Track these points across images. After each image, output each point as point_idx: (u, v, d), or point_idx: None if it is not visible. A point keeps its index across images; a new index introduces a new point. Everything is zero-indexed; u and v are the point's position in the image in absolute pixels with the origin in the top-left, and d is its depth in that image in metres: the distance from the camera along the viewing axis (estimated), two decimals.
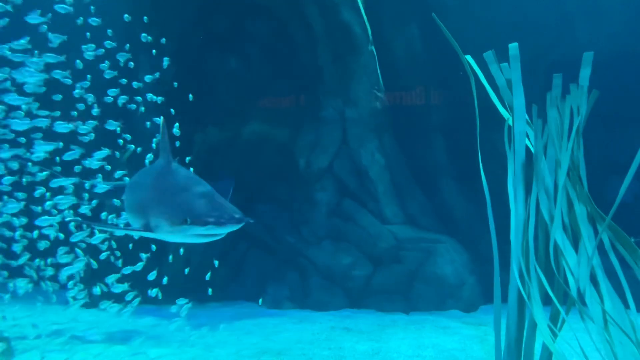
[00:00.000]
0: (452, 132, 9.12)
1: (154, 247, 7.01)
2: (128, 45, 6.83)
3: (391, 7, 9.16)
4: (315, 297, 7.91)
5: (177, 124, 7.11)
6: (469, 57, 4.73)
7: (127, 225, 4.73)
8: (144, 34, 6.98)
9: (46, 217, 6.03)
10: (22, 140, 6.23)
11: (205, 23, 8.70)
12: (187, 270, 7.47)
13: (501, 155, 4.59)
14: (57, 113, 6.24)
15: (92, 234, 6.26)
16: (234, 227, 3.80)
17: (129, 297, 6.35)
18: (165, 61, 7.47)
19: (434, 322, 6.93)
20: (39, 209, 6.58)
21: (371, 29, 8.60)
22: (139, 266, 6.40)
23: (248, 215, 4.06)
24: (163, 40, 7.64)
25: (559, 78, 4.46)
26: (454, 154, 9.29)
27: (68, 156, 5.78)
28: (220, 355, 5.48)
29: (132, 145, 7.44)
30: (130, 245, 7.08)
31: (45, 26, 5.95)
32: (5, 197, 6.23)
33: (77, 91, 6.50)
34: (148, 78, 7.50)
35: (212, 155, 8.73)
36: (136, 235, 4.68)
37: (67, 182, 6.15)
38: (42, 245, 6.63)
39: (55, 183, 5.98)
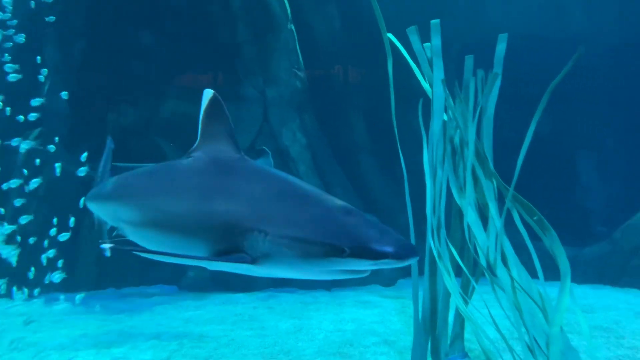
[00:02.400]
0: (373, 111, 9.27)
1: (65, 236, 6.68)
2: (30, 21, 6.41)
3: None
4: (239, 278, 7.86)
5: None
6: (390, 35, 4.78)
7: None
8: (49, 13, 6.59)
9: None
10: None
11: None
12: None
13: (418, 134, 4.72)
14: None
15: None
16: (411, 262, 2.50)
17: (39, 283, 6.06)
18: (72, 37, 7.08)
19: (355, 297, 7.09)
20: None
21: (290, 8, 8.53)
22: (51, 253, 6.12)
23: None
24: (70, 16, 7.23)
25: (471, 59, 4.61)
26: (375, 132, 9.46)
27: None
28: (138, 341, 5.33)
29: None
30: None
31: None
32: None
33: None
34: (52, 55, 7.08)
35: (127, 135, 8.39)
36: (214, 266, 2.85)
37: None
38: None
39: None
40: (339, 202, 2.69)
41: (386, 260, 2.38)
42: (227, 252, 2.65)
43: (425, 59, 4.64)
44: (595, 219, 9.83)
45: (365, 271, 2.50)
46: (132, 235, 3.31)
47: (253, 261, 2.57)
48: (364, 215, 2.60)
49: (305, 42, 8.81)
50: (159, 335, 5.53)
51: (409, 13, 6.97)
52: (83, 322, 6.15)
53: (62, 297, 7.10)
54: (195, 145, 3.24)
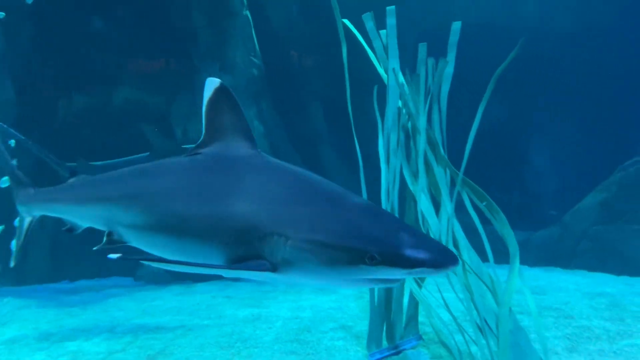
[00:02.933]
0: (332, 98, 9.26)
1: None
2: None
3: None
4: None
5: None
6: (346, 21, 4.77)
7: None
8: None
9: None
10: None
11: None
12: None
13: (375, 122, 4.75)
14: None
15: None
16: (450, 271, 2.19)
17: None
18: (19, 24, 6.83)
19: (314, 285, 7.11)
20: None
21: None
22: None
23: None
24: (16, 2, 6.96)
25: (424, 47, 4.65)
26: (333, 120, 9.47)
27: None
28: (92, 334, 5.23)
29: None
30: None
31: None
32: None
33: None
34: None
35: (79, 123, 8.16)
36: (231, 274, 2.61)
37: None
38: None
39: None
40: (366, 201, 2.47)
41: (422, 269, 2.08)
42: (244, 258, 2.36)
43: (381, 46, 4.67)
44: (547, 203, 10.11)
45: (396, 281, 2.24)
46: (136, 240, 2.95)
47: (273, 268, 2.29)
48: (394, 216, 2.36)
49: (261, 29, 8.72)
50: (113, 327, 5.43)
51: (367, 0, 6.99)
52: (35, 316, 5.99)
53: (12, 290, 6.91)
54: (201, 140, 2.87)
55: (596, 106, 9.97)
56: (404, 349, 4.25)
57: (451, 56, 4.49)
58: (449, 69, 4.53)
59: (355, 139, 4.57)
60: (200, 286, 7.34)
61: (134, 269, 7.92)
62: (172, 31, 8.39)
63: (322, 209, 2.34)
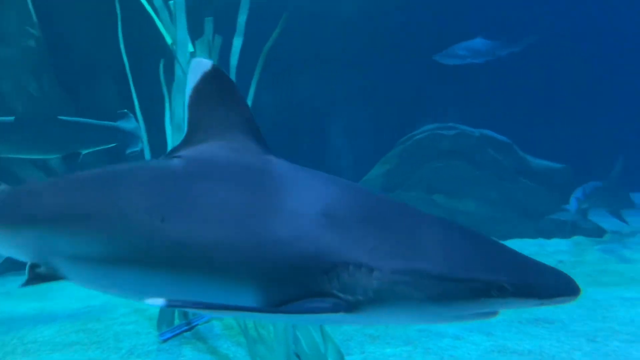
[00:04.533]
0: (124, 72, 8.76)
1: None
2: None
3: None
4: None
5: None
6: None
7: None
8: None
9: None
10: None
11: None
12: None
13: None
14: None
15: None
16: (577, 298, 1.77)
17: None
18: None
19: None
20: None
21: None
22: None
23: None
24: None
25: (210, 22, 4.61)
26: (129, 99, 8.97)
27: None
28: None
29: None
30: None
31: None
32: None
33: None
34: None
35: None
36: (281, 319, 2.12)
37: None
38: None
39: None
40: (439, 217, 1.94)
41: (560, 299, 1.71)
42: (297, 297, 1.76)
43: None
44: (345, 174, 10.84)
45: (495, 313, 1.82)
46: (85, 275, 2.15)
47: (349, 308, 1.73)
48: (484, 234, 1.89)
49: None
50: None
51: None
52: None
53: None
54: (185, 140, 2.17)
55: (390, 92, 10.91)
56: (197, 324, 4.24)
57: (239, 34, 4.54)
58: (238, 42, 4.58)
59: (139, 116, 4.40)
60: None
61: None
62: None
63: (410, 230, 1.83)
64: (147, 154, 4.68)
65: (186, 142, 2.16)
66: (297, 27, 9.14)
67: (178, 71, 4.27)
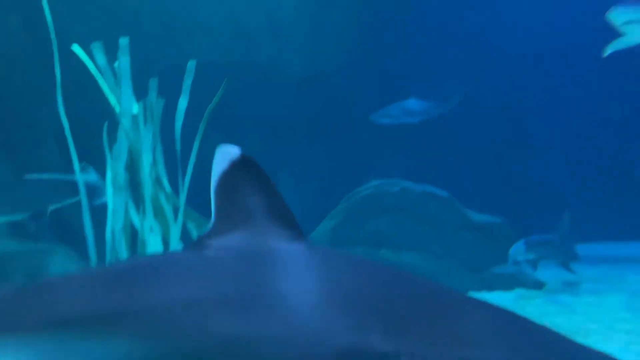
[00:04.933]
0: (62, 128, 8.63)
1: None
2: None
3: None
4: None
5: None
6: (76, 47, 4.60)
7: None
8: None
9: None
10: None
11: None
12: None
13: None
14: None
15: None
16: None
17: None
18: None
19: None
20: None
21: None
22: None
23: None
24: None
25: (155, 82, 4.67)
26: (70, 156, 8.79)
27: None
28: None
29: None
30: None
31: None
32: None
33: None
34: None
35: None
36: None
37: None
38: None
39: None
40: (477, 300, 1.90)
41: None
42: None
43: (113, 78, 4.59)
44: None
45: None
46: None
47: None
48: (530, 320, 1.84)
49: None
50: None
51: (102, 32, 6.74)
52: None
53: None
54: (213, 229, 2.06)
55: (336, 149, 11.14)
56: None
57: (185, 95, 4.61)
58: (183, 103, 4.64)
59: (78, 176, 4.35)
60: None
61: None
62: None
63: (461, 316, 1.74)
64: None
65: (215, 231, 2.06)
66: (245, 85, 9.33)
67: (121, 133, 4.26)
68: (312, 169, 11.27)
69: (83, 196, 4.66)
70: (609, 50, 7.26)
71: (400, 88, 10.76)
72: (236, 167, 2.06)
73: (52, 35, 4.11)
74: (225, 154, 2.08)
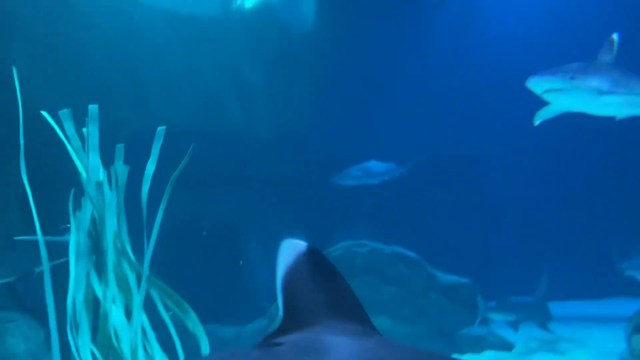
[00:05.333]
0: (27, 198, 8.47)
1: None
2: None
3: None
4: None
5: None
6: (45, 113, 4.62)
7: None
8: None
9: None
10: None
11: None
12: None
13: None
14: None
15: None
16: None
17: None
18: None
19: None
20: None
21: None
22: None
23: None
24: None
25: (122, 149, 4.68)
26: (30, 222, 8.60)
27: None
28: None
29: None
30: None
31: None
32: None
33: None
34: None
35: None
36: None
37: None
38: None
39: None
40: None
41: None
42: None
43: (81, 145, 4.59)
44: (261, 296, 10.68)
45: None
46: None
47: None
48: None
49: None
50: None
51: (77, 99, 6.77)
52: None
53: None
54: (282, 325, 1.96)
55: (304, 210, 11.18)
56: None
57: (153, 160, 4.61)
58: (151, 169, 4.63)
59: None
60: None
61: None
62: None
63: None
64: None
65: (283, 328, 1.95)
66: (213, 149, 9.40)
67: (86, 200, 4.21)
68: (281, 231, 11.22)
69: (45, 262, 4.55)
70: (538, 119, 7.27)
71: (364, 149, 11.03)
72: (302, 261, 1.99)
73: (19, 101, 4.10)
74: (291, 248, 2.02)
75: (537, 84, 6.59)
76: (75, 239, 4.38)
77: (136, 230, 4.45)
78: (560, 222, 12.55)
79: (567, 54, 7.40)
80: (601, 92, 6.62)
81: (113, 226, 3.92)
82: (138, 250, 4.16)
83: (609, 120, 7.19)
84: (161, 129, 4.69)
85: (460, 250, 11.33)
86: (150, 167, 4.64)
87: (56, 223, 4.98)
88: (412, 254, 9.09)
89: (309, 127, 11.14)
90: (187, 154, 3.84)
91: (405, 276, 8.82)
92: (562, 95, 6.63)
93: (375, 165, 10.43)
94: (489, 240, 12.33)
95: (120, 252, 3.96)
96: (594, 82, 6.61)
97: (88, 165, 4.36)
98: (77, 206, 4.59)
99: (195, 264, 9.92)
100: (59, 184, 5.13)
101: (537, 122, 7.27)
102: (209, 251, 10.29)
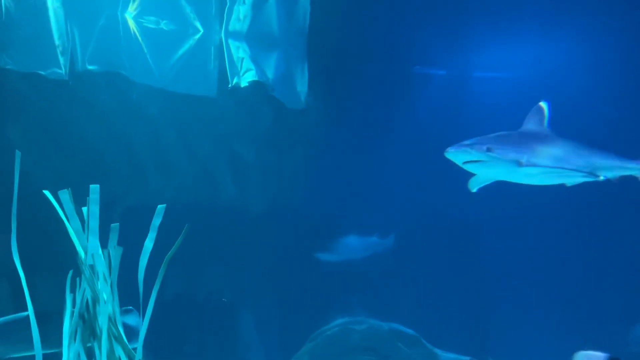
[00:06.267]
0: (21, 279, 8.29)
1: None
2: None
3: None
4: None
5: None
6: (47, 193, 4.59)
7: None
8: None
9: None
10: None
11: None
12: None
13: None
14: None
15: None
16: None
17: None
18: None
19: None
20: None
21: None
22: None
23: None
24: None
25: (116, 228, 4.60)
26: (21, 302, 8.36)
27: None
28: None
29: None
30: None
31: None
32: None
33: None
34: None
35: None
36: None
37: None
38: None
39: None
40: None
41: None
42: None
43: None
44: None
45: None
46: None
47: None
48: None
49: None
50: None
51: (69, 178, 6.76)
52: None
53: None
54: None
55: (298, 286, 11.00)
56: None
57: (151, 237, 4.54)
58: (148, 247, 4.56)
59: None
60: None
61: None
62: None
63: None
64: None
65: None
66: (208, 224, 9.32)
67: (83, 281, 4.11)
68: (276, 308, 11.02)
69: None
70: (473, 187, 6.96)
71: (357, 220, 10.97)
72: None
73: (16, 181, 4.08)
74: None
75: (454, 156, 6.27)
76: (70, 321, 4.25)
77: (127, 304, 4.33)
78: (568, 295, 12.11)
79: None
80: (519, 164, 6.30)
81: (107, 309, 3.81)
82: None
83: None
84: (161, 207, 4.65)
85: (460, 326, 11.09)
86: (148, 245, 4.57)
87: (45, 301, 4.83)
88: (410, 332, 8.89)
89: (302, 201, 11.16)
90: (181, 234, 3.78)
91: (404, 355, 8.58)
92: (481, 167, 6.33)
93: (354, 240, 10.28)
94: (491, 315, 12.06)
95: (114, 335, 3.83)
96: (511, 154, 6.29)
97: (88, 247, 4.28)
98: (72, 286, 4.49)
99: (188, 340, 9.62)
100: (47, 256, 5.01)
101: (474, 189, 6.94)
102: (202, 327, 10.00)
